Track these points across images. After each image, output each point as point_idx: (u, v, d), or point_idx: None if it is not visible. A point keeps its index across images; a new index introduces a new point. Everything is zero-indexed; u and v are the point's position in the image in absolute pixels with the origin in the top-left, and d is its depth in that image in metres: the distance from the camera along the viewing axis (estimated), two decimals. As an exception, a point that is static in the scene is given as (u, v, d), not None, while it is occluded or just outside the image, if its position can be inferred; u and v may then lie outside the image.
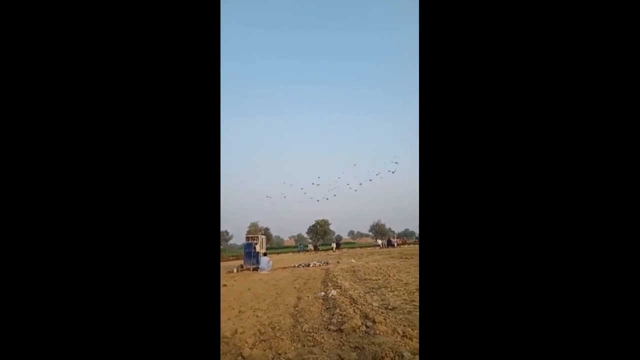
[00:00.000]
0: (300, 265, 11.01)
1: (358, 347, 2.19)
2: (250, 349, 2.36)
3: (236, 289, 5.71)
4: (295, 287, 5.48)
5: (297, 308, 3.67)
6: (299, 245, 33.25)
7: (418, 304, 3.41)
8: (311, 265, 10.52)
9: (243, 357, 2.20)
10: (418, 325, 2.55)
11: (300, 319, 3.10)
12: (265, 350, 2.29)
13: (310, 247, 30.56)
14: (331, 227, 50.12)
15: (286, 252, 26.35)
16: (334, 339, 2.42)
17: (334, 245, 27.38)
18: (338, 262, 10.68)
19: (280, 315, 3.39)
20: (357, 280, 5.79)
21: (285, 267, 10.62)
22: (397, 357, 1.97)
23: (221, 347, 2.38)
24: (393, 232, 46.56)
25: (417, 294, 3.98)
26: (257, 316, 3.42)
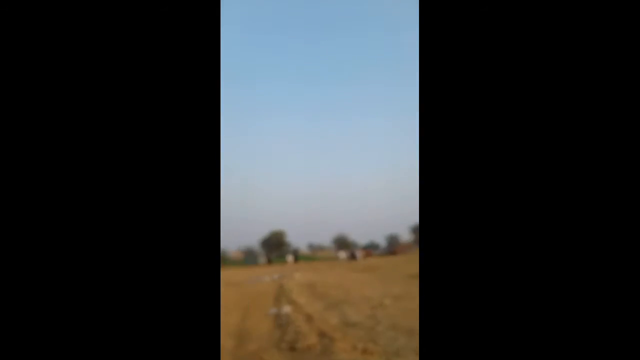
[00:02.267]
0: (250, 281, 10.14)
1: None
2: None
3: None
4: (240, 306, 4.87)
5: (240, 328, 3.21)
6: (247, 259, 30.87)
7: (379, 319, 3.18)
8: (262, 280, 9.75)
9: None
10: (379, 341, 2.32)
11: (245, 339, 2.67)
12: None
13: (263, 260, 28.77)
14: (288, 239, 48.27)
15: (231, 267, 23.10)
16: (285, 359, 2.11)
17: (290, 258, 26.44)
18: (291, 277, 10.13)
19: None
20: (315, 296, 5.39)
21: (229, 284, 9.61)
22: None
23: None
24: (357, 244, 45.01)
25: (379, 309, 3.74)
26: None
